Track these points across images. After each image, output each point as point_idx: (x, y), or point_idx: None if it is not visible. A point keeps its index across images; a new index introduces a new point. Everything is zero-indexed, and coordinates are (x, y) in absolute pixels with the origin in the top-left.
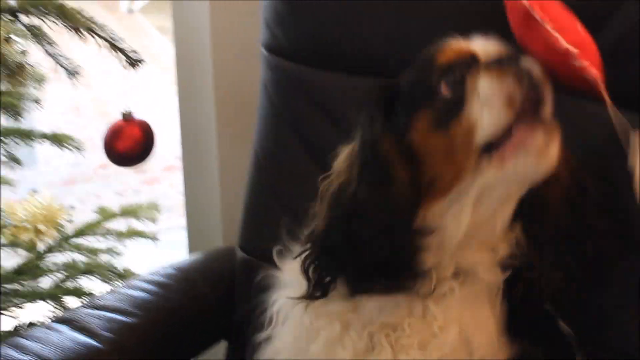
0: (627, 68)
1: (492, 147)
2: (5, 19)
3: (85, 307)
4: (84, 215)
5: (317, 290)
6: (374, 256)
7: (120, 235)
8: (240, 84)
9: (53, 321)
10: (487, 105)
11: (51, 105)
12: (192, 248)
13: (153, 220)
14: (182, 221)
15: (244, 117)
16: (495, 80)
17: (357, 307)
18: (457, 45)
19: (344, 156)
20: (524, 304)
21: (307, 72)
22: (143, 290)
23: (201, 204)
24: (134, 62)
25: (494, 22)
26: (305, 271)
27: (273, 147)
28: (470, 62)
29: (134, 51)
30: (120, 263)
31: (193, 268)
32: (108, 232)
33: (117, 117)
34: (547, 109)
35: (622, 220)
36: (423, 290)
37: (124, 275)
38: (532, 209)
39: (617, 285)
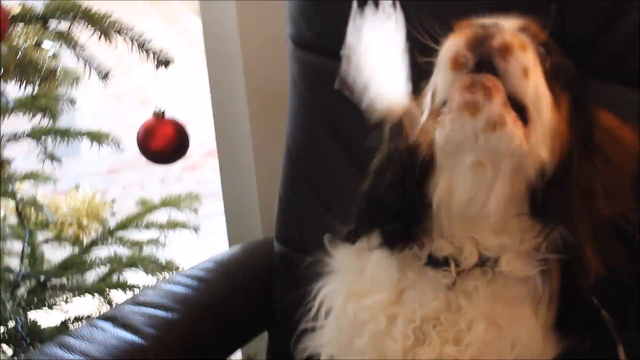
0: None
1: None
2: (36, 26)
3: (127, 303)
4: (128, 203)
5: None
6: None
7: (162, 227)
8: (271, 77)
9: (97, 318)
10: (438, 66)
11: (91, 95)
12: (231, 238)
13: (194, 210)
14: None
15: (277, 108)
16: (449, 42)
17: (400, 300)
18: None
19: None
20: (570, 297)
21: (333, 64)
22: (184, 285)
23: (239, 195)
24: (163, 62)
25: None
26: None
27: (305, 140)
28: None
29: (163, 51)
30: (163, 254)
31: (232, 261)
32: (150, 224)
33: (149, 116)
34: (507, 72)
35: None
36: (446, 281)
37: (167, 267)
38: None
39: None
